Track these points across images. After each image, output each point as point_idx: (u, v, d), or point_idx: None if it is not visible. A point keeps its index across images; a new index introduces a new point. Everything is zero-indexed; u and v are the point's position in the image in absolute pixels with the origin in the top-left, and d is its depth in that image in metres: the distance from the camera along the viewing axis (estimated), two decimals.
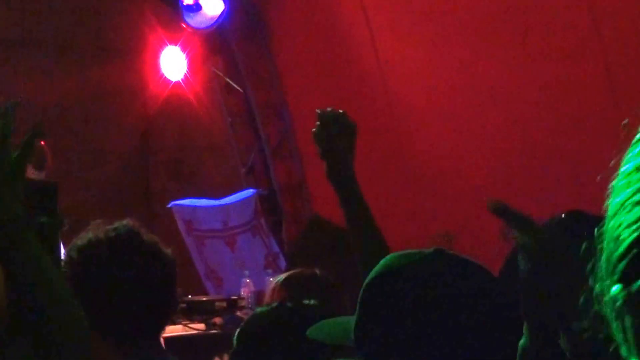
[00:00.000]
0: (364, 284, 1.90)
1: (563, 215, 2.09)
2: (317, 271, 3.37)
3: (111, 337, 2.66)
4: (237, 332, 2.60)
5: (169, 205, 9.39)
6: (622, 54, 7.20)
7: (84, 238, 2.74)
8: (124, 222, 2.76)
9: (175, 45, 9.59)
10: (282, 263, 8.82)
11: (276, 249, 9.22)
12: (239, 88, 9.74)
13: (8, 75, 9.41)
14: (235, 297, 7.45)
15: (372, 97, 8.94)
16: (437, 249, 1.90)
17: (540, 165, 7.68)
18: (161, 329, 2.77)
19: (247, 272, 7.83)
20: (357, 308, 1.90)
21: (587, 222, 2.10)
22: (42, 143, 6.63)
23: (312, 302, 2.72)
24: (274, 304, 2.67)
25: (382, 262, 1.92)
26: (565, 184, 7.21)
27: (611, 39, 7.21)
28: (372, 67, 8.84)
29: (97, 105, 9.95)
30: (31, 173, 6.44)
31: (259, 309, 2.72)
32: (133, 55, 9.99)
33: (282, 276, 3.35)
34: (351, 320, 1.95)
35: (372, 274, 1.91)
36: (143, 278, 2.67)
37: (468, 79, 8.16)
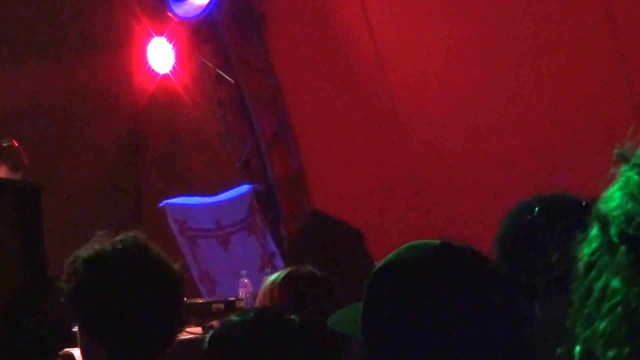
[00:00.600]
0: (371, 274, 1.94)
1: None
2: (315, 270, 3.31)
3: (116, 355, 2.65)
4: (209, 336, 2.60)
5: (160, 205, 9.27)
6: (636, 47, 7.23)
7: (89, 249, 2.72)
8: (131, 234, 2.74)
9: (162, 36, 9.54)
10: (278, 262, 8.80)
11: (272, 248, 9.22)
12: (230, 79, 9.70)
13: None
14: (232, 299, 7.34)
15: (368, 86, 8.90)
16: (444, 241, 1.93)
17: (542, 157, 7.75)
18: (168, 344, 2.73)
19: (244, 272, 7.74)
20: (364, 298, 1.93)
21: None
22: (16, 144, 6.68)
23: (292, 316, 2.64)
24: (251, 314, 2.64)
25: (392, 253, 1.96)
26: (568, 178, 7.10)
27: (624, 31, 7.26)
28: (368, 55, 8.79)
29: (84, 103, 9.85)
30: (8, 174, 6.54)
31: (234, 317, 2.67)
32: (119, 49, 9.90)
33: (275, 275, 3.29)
34: None
35: (380, 264, 1.95)
36: (150, 292, 2.65)
37: (472, 70, 8.19)
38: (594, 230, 1.21)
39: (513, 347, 1.85)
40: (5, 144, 6.67)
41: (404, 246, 1.97)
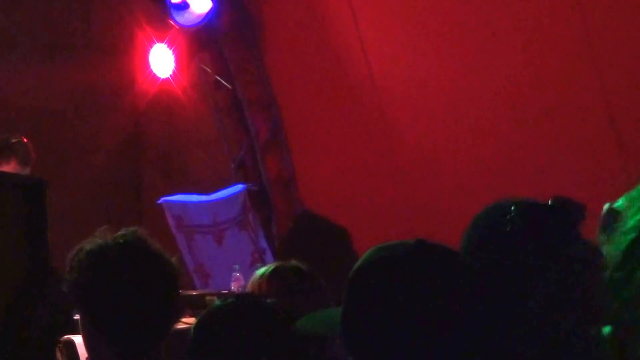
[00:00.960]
0: (349, 277, 1.92)
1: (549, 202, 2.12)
2: (300, 264, 3.34)
3: (116, 343, 2.68)
4: (195, 324, 2.60)
5: (159, 202, 9.39)
6: (611, 50, 7.21)
7: (92, 243, 2.76)
8: (132, 229, 2.78)
9: (164, 42, 9.59)
10: (269, 259, 8.79)
11: (263, 245, 9.21)
12: (227, 84, 9.76)
13: None
14: (225, 292, 7.47)
15: (359, 93, 8.96)
16: (419, 239, 1.93)
17: (532, 160, 7.67)
18: (165, 333, 2.77)
19: (237, 267, 7.83)
20: (343, 301, 1.93)
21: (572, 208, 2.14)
22: (25, 140, 6.67)
23: (269, 300, 2.68)
24: (230, 299, 2.65)
25: (365, 254, 1.94)
26: (556, 179, 7.24)
27: (600, 36, 7.24)
28: (360, 63, 8.84)
29: (86, 103, 9.93)
30: (17, 169, 6.50)
31: (217, 302, 2.69)
32: (122, 53, 9.98)
33: (263, 269, 3.32)
34: (339, 312, 1.97)
35: (355, 267, 1.93)
36: (149, 284, 2.69)
37: (458, 74, 8.16)
38: (632, 222, 1.30)
39: (490, 340, 1.83)
40: (14, 140, 6.58)
41: (377, 247, 1.96)
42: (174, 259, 2.81)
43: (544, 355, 1.97)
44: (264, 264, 8.43)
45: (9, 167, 6.53)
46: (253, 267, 8.37)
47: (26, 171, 6.50)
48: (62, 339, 3.81)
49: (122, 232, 2.78)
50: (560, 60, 7.50)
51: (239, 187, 9.45)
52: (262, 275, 3.26)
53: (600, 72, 7.31)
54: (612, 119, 7.27)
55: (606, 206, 2.35)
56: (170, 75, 9.72)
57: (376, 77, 8.81)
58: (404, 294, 1.85)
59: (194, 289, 8.78)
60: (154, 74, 9.76)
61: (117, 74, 9.94)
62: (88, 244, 2.77)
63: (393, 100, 8.74)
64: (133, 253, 2.72)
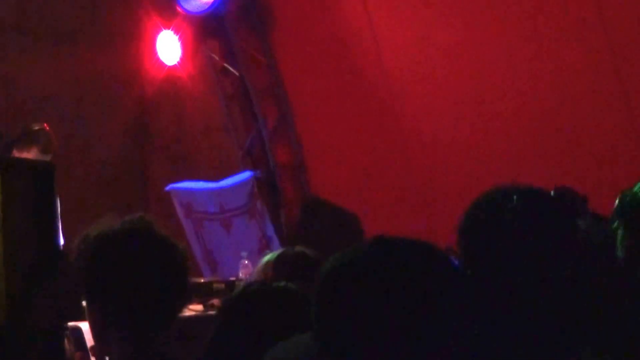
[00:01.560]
0: (315, 286, 1.93)
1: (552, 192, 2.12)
2: (307, 250, 3.35)
3: (123, 329, 2.67)
4: (224, 303, 2.65)
5: (166, 189, 9.40)
6: (626, 36, 7.24)
7: (98, 229, 2.77)
8: (138, 215, 2.78)
9: (171, 29, 9.60)
10: (275, 246, 8.74)
11: (270, 232, 9.21)
12: (235, 71, 9.75)
13: (3, 62, 9.41)
14: (233, 279, 7.47)
15: (368, 80, 8.96)
16: (378, 237, 1.93)
17: (542, 147, 7.71)
18: (173, 319, 2.76)
19: (245, 254, 7.83)
20: (313, 307, 1.93)
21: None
22: (47, 127, 6.71)
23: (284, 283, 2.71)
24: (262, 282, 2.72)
25: (332, 259, 1.94)
26: (571, 168, 7.26)
27: (614, 21, 7.25)
28: (369, 49, 8.84)
29: (93, 90, 9.94)
30: (38, 156, 6.55)
31: (251, 284, 2.70)
32: (129, 40, 9.98)
33: (269, 255, 3.35)
34: (304, 339, 1.98)
35: (320, 276, 1.93)
36: (157, 269, 2.68)
37: (470, 60, 8.18)
38: None
39: (461, 335, 1.84)
40: (36, 128, 6.64)
41: (337, 255, 1.95)
42: (181, 244, 2.80)
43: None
44: (271, 251, 8.46)
45: (30, 155, 6.59)
46: (261, 254, 8.43)
47: (47, 159, 6.53)
48: (69, 325, 3.75)
49: (128, 217, 2.77)
50: (576, 50, 7.51)
51: (247, 174, 9.45)
52: (267, 262, 3.32)
53: (616, 58, 7.32)
54: (629, 107, 7.26)
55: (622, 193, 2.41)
56: (177, 63, 9.72)
57: (386, 62, 8.81)
58: (367, 294, 1.85)
59: (202, 276, 8.76)
60: (161, 61, 9.76)
61: (124, 61, 9.95)
62: (94, 230, 2.78)
63: (402, 86, 8.75)
64: (139, 238, 2.71)
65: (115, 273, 2.67)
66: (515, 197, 2.13)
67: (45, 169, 2.63)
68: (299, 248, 3.39)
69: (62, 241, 6.65)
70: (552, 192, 2.15)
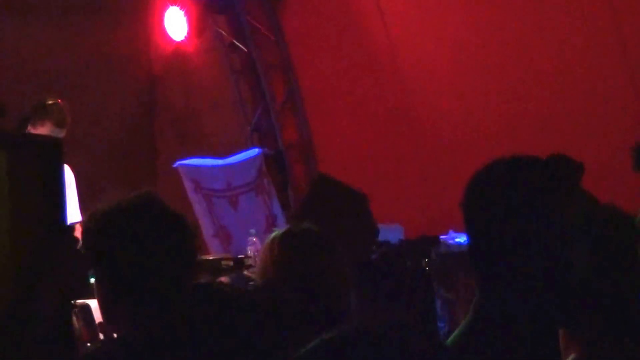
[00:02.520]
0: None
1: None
2: (313, 227, 3.32)
3: (132, 304, 2.67)
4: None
5: (174, 165, 9.41)
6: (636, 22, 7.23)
7: (104, 205, 2.76)
8: (144, 190, 2.78)
9: (179, 5, 9.59)
10: (280, 224, 8.60)
11: (276, 210, 9.23)
12: (243, 47, 9.76)
13: (11, 39, 9.40)
14: (242, 256, 7.46)
15: (377, 55, 8.96)
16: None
17: (552, 130, 7.67)
18: (181, 294, 2.72)
19: (253, 231, 7.82)
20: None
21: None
22: (60, 102, 6.72)
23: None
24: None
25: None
26: (582, 142, 7.20)
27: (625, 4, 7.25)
28: (377, 25, 8.83)
29: (101, 66, 9.89)
30: (52, 131, 6.53)
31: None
32: (136, 15, 9.97)
33: (276, 232, 3.31)
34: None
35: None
36: (164, 242, 2.68)
37: (476, 30, 8.18)
38: None
39: None
40: (50, 102, 6.63)
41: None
42: (189, 219, 2.79)
43: None
44: (277, 228, 8.47)
45: (44, 130, 6.59)
46: (268, 231, 8.45)
47: (62, 134, 6.55)
48: (78, 303, 3.87)
49: (134, 193, 2.76)
50: (583, 26, 7.53)
51: (254, 151, 9.45)
52: (273, 239, 3.27)
53: (624, 41, 7.32)
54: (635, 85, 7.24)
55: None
56: (185, 38, 9.73)
57: (393, 38, 8.80)
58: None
59: (210, 253, 8.76)
60: (169, 37, 9.77)
61: (132, 36, 9.95)
62: (102, 206, 2.76)
63: (411, 62, 8.75)
64: (146, 212, 2.70)
65: (121, 247, 2.66)
66: (510, 166, 2.19)
67: (53, 145, 2.61)
68: (306, 225, 3.34)
69: (80, 217, 6.69)
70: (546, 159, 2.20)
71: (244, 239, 7.93)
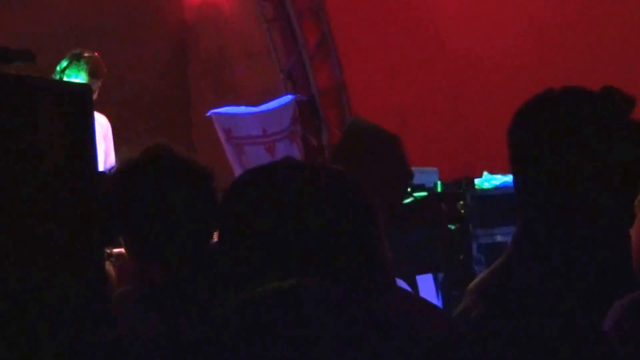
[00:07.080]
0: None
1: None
2: (344, 171, 3.33)
3: (154, 261, 2.63)
4: None
5: (208, 114, 9.41)
6: None
7: (120, 162, 2.74)
8: (155, 142, 2.72)
9: None
10: None
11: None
12: None
13: None
14: None
15: (411, 1, 8.96)
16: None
17: (577, 71, 7.64)
18: (203, 248, 2.68)
19: None
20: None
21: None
22: (96, 54, 6.78)
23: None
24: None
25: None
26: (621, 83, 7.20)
27: None
28: None
29: (133, 17, 9.95)
30: (88, 82, 6.46)
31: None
32: None
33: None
34: None
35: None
36: (180, 192, 2.62)
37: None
38: None
39: None
40: (86, 54, 6.68)
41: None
42: (205, 166, 2.71)
43: None
44: None
45: (79, 80, 6.57)
46: None
47: (97, 84, 6.59)
48: (114, 251, 3.76)
49: (146, 147, 2.71)
50: None
51: (288, 97, 9.43)
52: None
53: None
54: None
55: None
56: None
57: None
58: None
59: None
60: None
61: None
62: (117, 164, 2.76)
63: (444, 6, 8.73)
64: (159, 164, 2.65)
65: (136, 204, 2.63)
66: (561, 95, 2.17)
67: (82, 91, 2.57)
68: (336, 168, 3.37)
69: (114, 161, 6.77)
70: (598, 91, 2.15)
71: None
